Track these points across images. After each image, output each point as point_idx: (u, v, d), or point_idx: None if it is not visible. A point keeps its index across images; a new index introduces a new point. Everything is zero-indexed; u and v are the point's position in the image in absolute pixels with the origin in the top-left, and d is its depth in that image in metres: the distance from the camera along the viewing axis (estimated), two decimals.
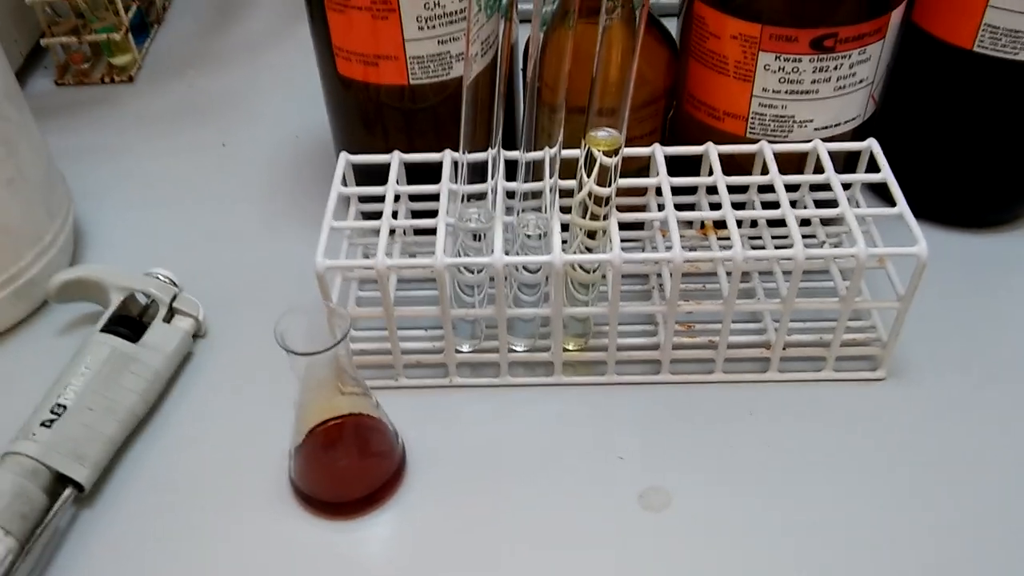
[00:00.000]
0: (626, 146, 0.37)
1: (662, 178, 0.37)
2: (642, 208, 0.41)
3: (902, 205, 0.36)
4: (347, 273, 0.40)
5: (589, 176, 0.34)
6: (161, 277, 0.40)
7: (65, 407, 0.34)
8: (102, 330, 0.37)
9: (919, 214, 0.36)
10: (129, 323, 0.38)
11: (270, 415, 0.36)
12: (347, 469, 0.34)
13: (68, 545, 0.33)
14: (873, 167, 0.38)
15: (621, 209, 0.36)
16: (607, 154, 0.33)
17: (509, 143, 0.36)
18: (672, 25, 0.42)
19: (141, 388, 0.36)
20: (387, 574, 0.32)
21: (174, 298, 0.39)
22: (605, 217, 0.35)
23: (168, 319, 0.39)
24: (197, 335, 0.40)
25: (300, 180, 0.50)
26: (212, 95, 0.58)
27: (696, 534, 0.33)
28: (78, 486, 0.33)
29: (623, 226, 0.36)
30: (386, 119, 0.42)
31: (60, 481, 0.33)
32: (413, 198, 0.40)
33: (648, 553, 0.32)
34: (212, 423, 0.37)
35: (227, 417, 0.38)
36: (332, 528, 0.33)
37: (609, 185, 0.34)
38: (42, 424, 0.34)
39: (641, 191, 0.40)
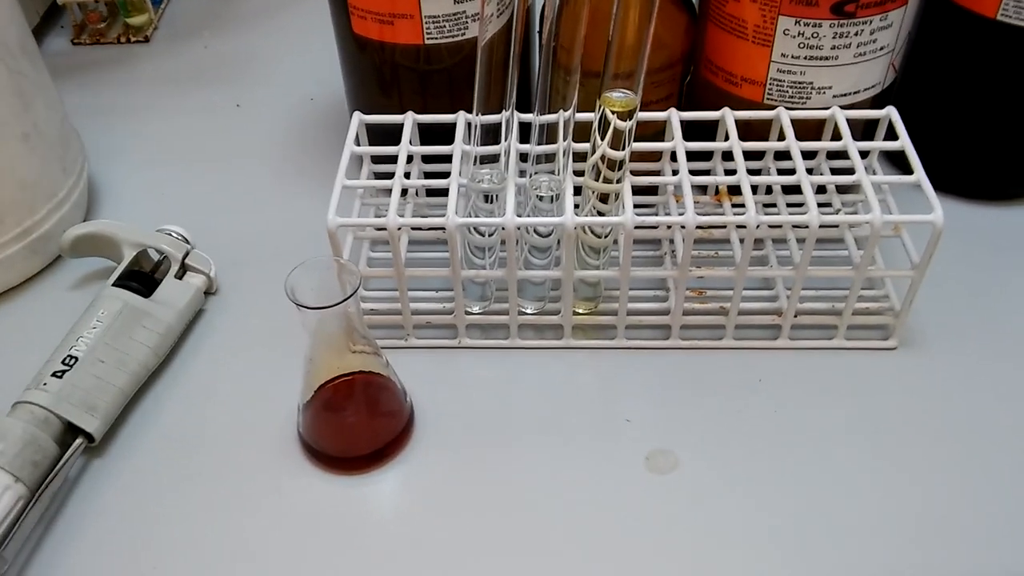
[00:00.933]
0: (642, 110, 0.37)
1: (677, 142, 0.37)
2: (656, 173, 0.40)
3: (919, 173, 0.35)
4: (359, 232, 0.40)
5: (603, 139, 0.34)
6: (174, 234, 0.40)
7: (77, 359, 0.34)
8: (114, 284, 0.38)
9: (937, 185, 0.35)
10: (141, 278, 0.38)
11: (280, 371, 0.36)
12: (355, 425, 0.34)
13: (78, 494, 0.34)
14: (891, 136, 0.38)
15: (635, 174, 0.36)
16: (621, 116, 0.33)
17: (524, 106, 0.35)
18: None
19: (153, 342, 0.37)
20: (392, 529, 0.32)
21: (186, 255, 0.40)
22: (618, 181, 0.35)
23: (180, 275, 0.39)
24: (209, 292, 0.41)
25: (315, 141, 0.50)
26: (227, 56, 0.58)
27: (702, 497, 0.33)
28: (88, 436, 0.34)
29: (636, 190, 0.36)
30: (401, 80, 0.42)
31: (71, 431, 0.33)
32: (426, 159, 0.40)
33: (654, 514, 0.32)
34: (223, 378, 0.38)
35: (237, 372, 0.38)
36: (339, 483, 0.34)
37: (623, 148, 0.34)
38: (53, 375, 0.34)
39: (656, 156, 0.40)
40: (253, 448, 0.35)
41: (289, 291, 0.29)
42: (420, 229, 0.41)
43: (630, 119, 0.33)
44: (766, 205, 0.42)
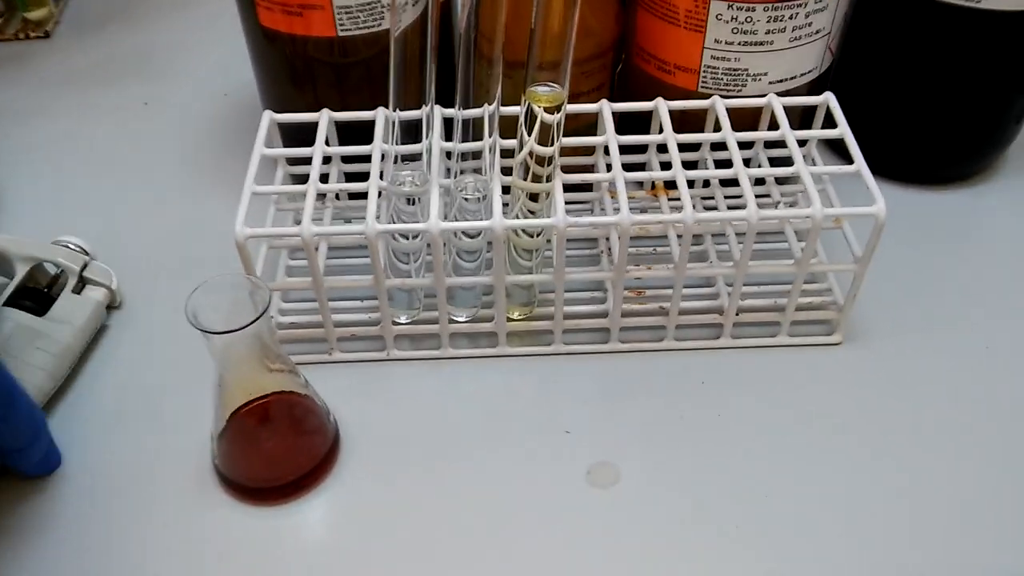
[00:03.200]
0: (571, 102, 0.35)
1: (609, 136, 0.35)
2: (590, 168, 0.39)
3: (860, 162, 0.34)
4: (274, 242, 0.37)
5: (530, 134, 0.32)
6: (71, 245, 0.37)
7: None
8: (5, 304, 0.34)
9: (877, 171, 0.34)
10: (35, 295, 0.35)
11: (192, 392, 0.33)
12: (274, 451, 0.32)
13: None
14: (830, 123, 0.37)
15: (567, 170, 0.34)
16: (549, 111, 0.31)
17: (447, 100, 0.33)
18: None
19: (49, 365, 0.34)
20: (322, 561, 0.30)
21: (84, 267, 0.37)
22: (548, 178, 0.33)
23: (78, 290, 0.36)
24: (112, 306, 0.38)
25: (228, 141, 0.47)
26: (135, 51, 0.54)
27: (645, 510, 0.31)
28: None
29: (569, 187, 0.34)
30: (315, 75, 0.39)
31: None
32: (345, 159, 0.37)
33: (597, 531, 0.31)
34: (129, 401, 0.35)
35: (145, 394, 0.35)
36: (262, 515, 0.31)
37: (551, 144, 0.32)
38: None
39: (588, 150, 0.38)
40: (166, 481, 0.32)
41: (190, 314, 0.27)
42: (339, 235, 0.39)
43: (558, 112, 0.31)
44: (705, 198, 0.41)
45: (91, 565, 0.30)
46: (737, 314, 0.36)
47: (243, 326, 0.27)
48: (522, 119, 0.32)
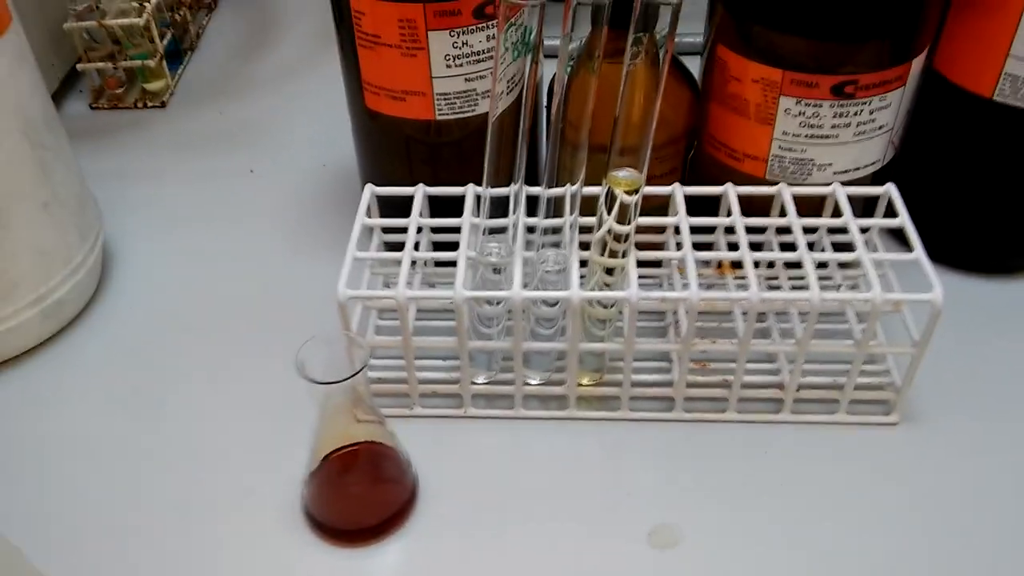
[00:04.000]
0: (647, 184, 0.38)
1: (681, 217, 0.38)
2: (661, 246, 0.41)
3: (919, 250, 0.36)
4: (367, 302, 0.41)
5: (609, 214, 0.34)
6: None
7: None
8: None
9: (937, 259, 0.36)
10: None
11: (280, 444, 0.36)
12: (359, 496, 0.35)
13: None
14: (892, 211, 0.39)
15: (640, 246, 0.37)
16: (627, 193, 0.34)
17: (532, 180, 0.36)
18: (694, 64, 0.43)
19: None
20: None
21: None
22: (624, 254, 0.35)
23: None
24: None
25: (326, 208, 0.51)
26: (242, 122, 0.59)
27: (705, 573, 0.33)
28: None
29: (641, 263, 0.37)
30: (411, 152, 0.43)
31: None
32: (435, 230, 0.41)
33: None
34: (230, 443, 0.38)
35: (245, 438, 0.38)
36: (343, 555, 0.34)
37: (628, 223, 0.34)
38: None
39: (660, 229, 0.41)
40: (256, 519, 0.35)
41: (299, 366, 0.30)
42: (429, 299, 0.42)
43: (636, 194, 0.34)
44: (769, 278, 0.43)
45: None
46: (798, 390, 0.37)
47: (345, 378, 0.30)
48: (602, 199, 0.34)
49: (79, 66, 0.60)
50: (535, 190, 0.36)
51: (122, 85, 0.62)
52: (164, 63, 0.61)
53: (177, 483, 0.37)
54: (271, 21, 0.70)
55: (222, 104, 0.61)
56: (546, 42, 0.33)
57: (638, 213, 0.35)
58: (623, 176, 0.34)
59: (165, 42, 0.62)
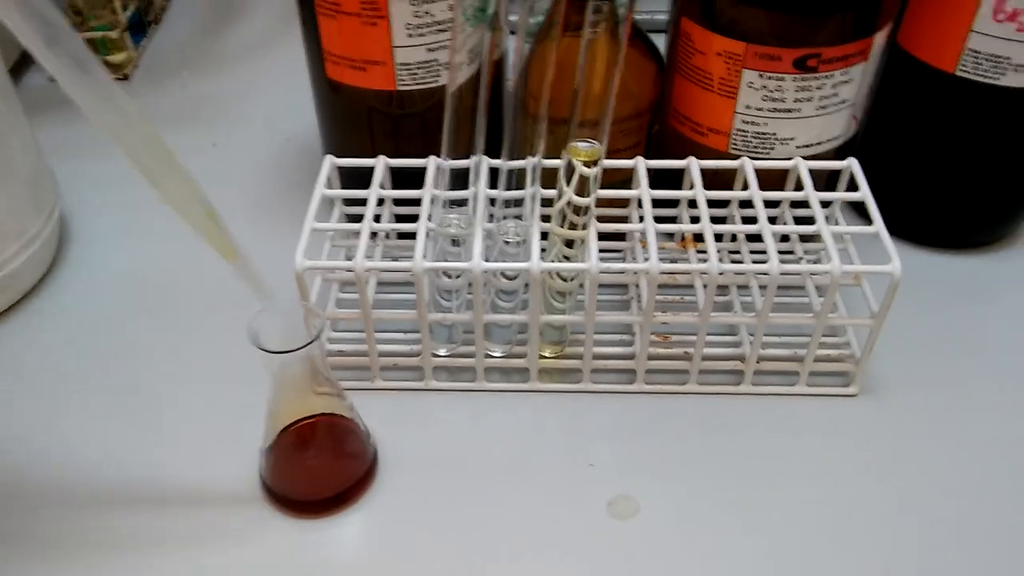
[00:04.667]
0: (610, 158, 0.38)
1: (643, 190, 0.38)
2: (624, 219, 0.41)
3: (878, 224, 0.36)
4: (327, 275, 0.40)
5: (568, 185, 0.34)
6: None
7: None
8: None
9: (899, 234, 0.36)
10: None
11: (240, 415, 0.36)
12: (317, 468, 0.34)
13: None
14: (854, 186, 0.39)
15: (603, 220, 0.37)
16: (587, 164, 0.34)
17: (494, 151, 0.36)
18: (660, 41, 0.42)
19: None
20: (353, 573, 0.32)
21: None
22: (584, 227, 0.35)
23: None
24: None
25: (289, 182, 0.50)
26: (206, 96, 0.58)
27: (663, 543, 0.33)
28: None
29: (604, 236, 0.37)
30: (373, 123, 0.42)
31: None
32: (398, 202, 0.40)
33: (615, 561, 0.32)
34: (195, 420, 0.38)
35: (210, 413, 0.38)
36: (301, 527, 0.34)
37: (588, 195, 0.34)
38: None
39: (624, 202, 0.41)
40: (215, 489, 0.35)
41: (252, 335, 0.29)
42: (388, 271, 0.42)
43: (595, 166, 0.34)
44: (731, 251, 0.43)
45: (143, 559, 0.33)
46: (758, 362, 0.37)
47: (299, 347, 0.29)
48: (562, 171, 0.34)
49: None
50: (496, 162, 0.36)
51: None
52: (127, 35, 0.60)
53: (134, 457, 0.36)
54: None
55: (185, 78, 0.60)
56: (509, 14, 0.32)
57: (598, 185, 0.34)
58: (583, 147, 0.33)
59: (128, 14, 0.60)
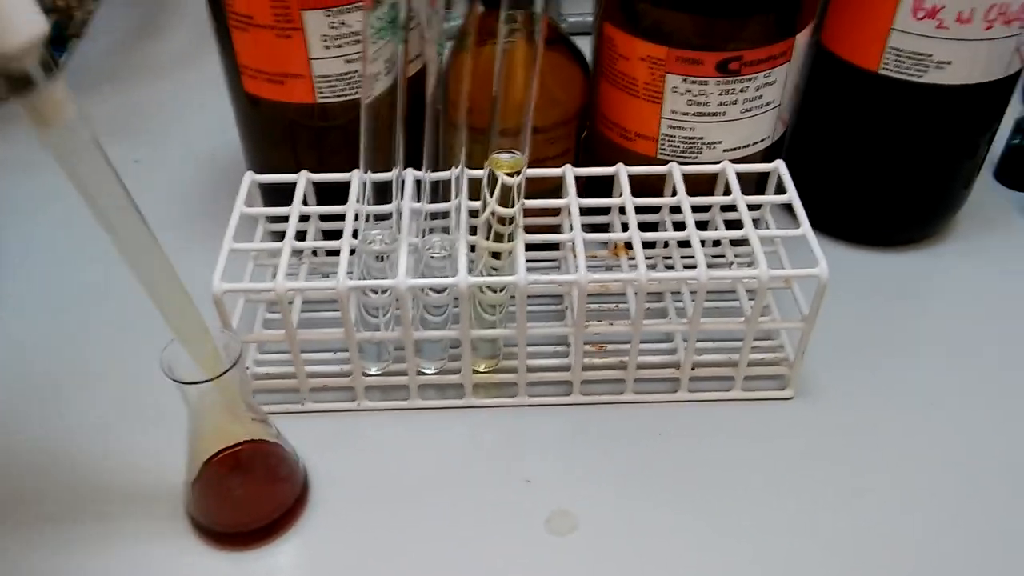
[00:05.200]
0: (538, 166, 0.37)
1: (571, 199, 0.37)
2: (556, 229, 0.40)
3: (805, 226, 0.36)
4: (251, 296, 0.39)
5: (492, 196, 0.34)
6: None
7: None
8: None
9: (830, 232, 0.36)
10: None
11: (165, 442, 0.35)
12: (245, 498, 0.33)
13: None
14: (782, 188, 0.39)
15: (536, 230, 0.36)
16: (509, 175, 0.33)
17: (419, 164, 0.35)
18: (585, 45, 0.42)
19: None
20: None
21: None
22: (510, 238, 0.35)
23: None
24: None
25: (215, 199, 0.49)
26: (128, 111, 0.57)
27: (602, 558, 0.32)
28: None
29: (536, 247, 0.36)
30: (295, 138, 0.41)
31: None
32: (323, 218, 0.39)
33: None
34: (115, 452, 0.36)
35: (131, 445, 0.36)
36: (232, 559, 0.32)
37: (512, 205, 0.34)
38: None
39: (555, 212, 0.40)
40: (140, 523, 0.33)
41: (165, 366, 0.28)
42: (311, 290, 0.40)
43: (518, 176, 0.33)
44: (665, 257, 0.42)
45: None
46: (693, 368, 0.37)
47: (214, 377, 0.28)
48: (485, 182, 0.34)
49: None
50: (419, 174, 0.35)
51: None
52: (47, 49, 0.58)
53: (54, 494, 0.35)
54: (161, 7, 0.68)
55: (106, 92, 0.58)
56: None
57: (523, 195, 0.34)
58: (505, 158, 0.33)
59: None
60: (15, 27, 0.21)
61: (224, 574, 0.32)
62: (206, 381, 0.28)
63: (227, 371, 0.29)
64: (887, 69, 0.40)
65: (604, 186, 0.39)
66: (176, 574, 0.32)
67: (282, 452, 0.33)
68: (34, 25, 0.21)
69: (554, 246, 0.42)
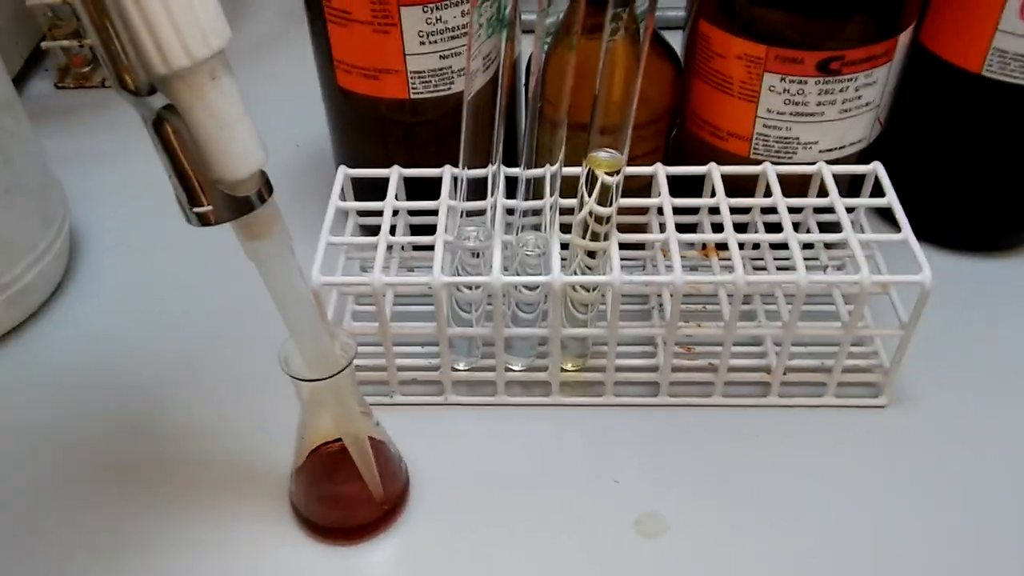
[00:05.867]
0: (628, 164, 0.37)
1: (664, 198, 0.37)
2: (644, 227, 0.40)
3: (906, 231, 0.35)
4: (345, 289, 0.40)
5: (590, 196, 0.33)
6: None
7: None
8: None
9: (926, 238, 0.35)
10: None
11: (267, 430, 0.35)
12: (348, 493, 0.33)
13: None
14: (879, 191, 0.38)
15: (622, 228, 0.36)
16: (608, 174, 0.33)
17: (511, 160, 0.35)
18: (677, 40, 0.41)
19: None
20: None
21: None
22: (605, 237, 0.34)
23: None
24: None
25: (299, 190, 0.49)
26: None
27: (692, 561, 0.32)
28: None
29: (624, 245, 0.36)
30: (386, 132, 0.42)
31: None
32: (413, 213, 0.40)
33: None
34: (215, 441, 0.37)
35: (230, 434, 0.37)
36: (330, 553, 0.33)
37: (610, 205, 0.34)
38: None
39: (643, 211, 0.40)
40: (244, 510, 0.34)
41: (282, 362, 0.29)
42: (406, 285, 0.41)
43: (616, 175, 0.33)
44: (755, 259, 0.42)
45: None
46: (784, 373, 0.37)
47: (331, 375, 0.28)
48: (583, 181, 0.33)
49: (43, 44, 0.58)
50: (514, 171, 0.35)
51: (88, 64, 0.60)
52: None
53: (153, 479, 0.35)
54: None
55: None
56: (524, 17, 0.31)
57: (619, 194, 0.34)
58: (604, 157, 0.33)
59: None
60: (245, 159, 0.24)
61: (320, 568, 0.32)
62: (321, 379, 0.28)
63: (341, 371, 0.29)
64: (991, 71, 0.39)
65: (689, 186, 0.39)
66: (276, 563, 0.33)
67: (386, 448, 0.33)
68: (258, 156, 0.24)
69: (639, 245, 0.42)
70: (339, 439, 0.32)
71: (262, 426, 0.36)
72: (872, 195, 0.38)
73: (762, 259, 0.41)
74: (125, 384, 0.39)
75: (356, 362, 0.37)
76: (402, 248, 0.41)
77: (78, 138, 0.55)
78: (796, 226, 0.37)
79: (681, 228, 0.36)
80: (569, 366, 0.38)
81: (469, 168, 0.34)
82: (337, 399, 0.30)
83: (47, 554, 0.33)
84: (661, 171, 0.38)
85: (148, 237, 0.47)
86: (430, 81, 0.39)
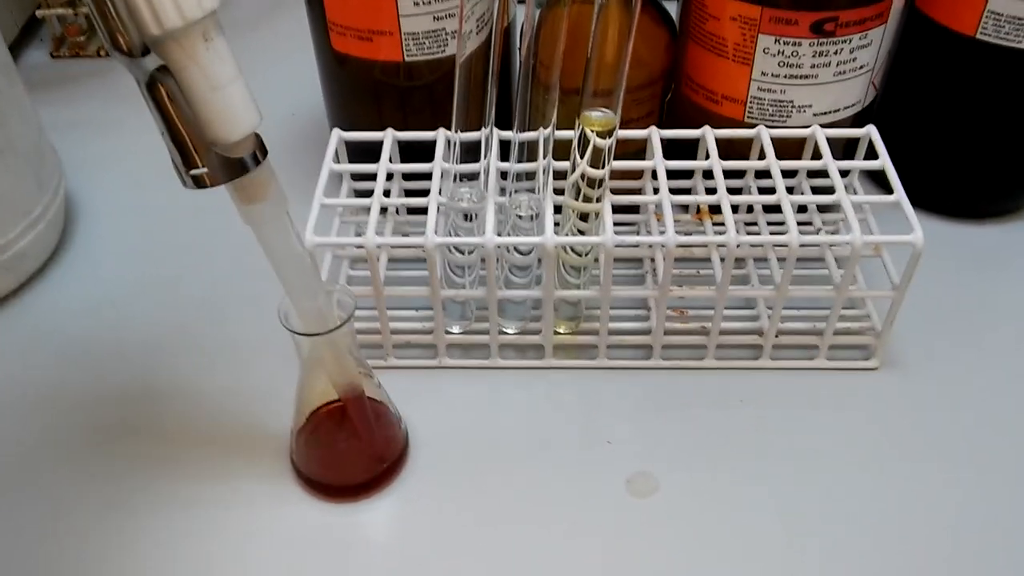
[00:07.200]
0: (623, 128, 0.37)
1: (657, 161, 0.37)
2: (638, 191, 0.40)
3: (899, 193, 0.35)
4: (338, 251, 0.40)
5: (583, 157, 0.33)
6: None
7: None
8: None
9: (918, 203, 0.35)
10: None
11: (262, 391, 0.35)
12: (348, 452, 0.34)
13: None
14: (872, 154, 0.38)
15: (616, 192, 0.36)
16: (601, 135, 0.33)
17: (505, 123, 0.35)
18: (671, 5, 0.41)
19: None
20: (383, 558, 0.32)
21: None
22: (598, 199, 0.34)
23: None
24: None
25: (295, 157, 0.49)
26: None
27: (683, 521, 0.33)
28: None
29: (617, 209, 0.36)
30: (381, 96, 0.42)
31: None
32: (407, 176, 0.40)
33: (635, 539, 0.32)
34: (209, 403, 0.37)
35: (225, 396, 0.37)
36: (331, 511, 0.33)
37: (602, 167, 0.34)
38: None
39: (637, 174, 0.40)
40: (245, 470, 0.34)
41: (282, 316, 0.29)
42: (399, 247, 0.41)
43: (609, 137, 0.33)
44: (748, 223, 0.42)
45: (171, 549, 0.32)
46: (776, 336, 0.37)
47: (331, 329, 0.29)
48: (575, 142, 0.33)
49: (38, 12, 0.57)
50: (507, 134, 0.35)
51: (84, 33, 0.60)
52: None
53: (152, 441, 0.36)
54: None
55: None
56: None
57: (612, 157, 0.34)
58: (596, 116, 0.33)
59: None
60: (239, 120, 0.24)
61: (321, 524, 0.33)
62: (321, 333, 0.29)
63: (340, 325, 0.29)
64: (985, 34, 0.39)
65: (684, 150, 0.39)
66: (276, 521, 0.33)
67: (385, 409, 0.34)
68: (252, 118, 0.24)
69: (633, 209, 0.42)
70: (339, 400, 0.32)
71: (261, 388, 0.37)
72: (866, 158, 0.38)
73: (756, 223, 0.41)
74: (122, 350, 0.39)
75: None
76: (396, 212, 0.41)
77: (74, 107, 0.54)
78: (790, 190, 0.37)
79: (676, 192, 0.36)
80: (562, 329, 0.38)
81: (463, 131, 0.34)
82: (336, 355, 0.30)
83: (48, 514, 0.33)
84: (655, 134, 0.38)
85: (144, 205, 0.47)
86: (424, 43, 0.38)
